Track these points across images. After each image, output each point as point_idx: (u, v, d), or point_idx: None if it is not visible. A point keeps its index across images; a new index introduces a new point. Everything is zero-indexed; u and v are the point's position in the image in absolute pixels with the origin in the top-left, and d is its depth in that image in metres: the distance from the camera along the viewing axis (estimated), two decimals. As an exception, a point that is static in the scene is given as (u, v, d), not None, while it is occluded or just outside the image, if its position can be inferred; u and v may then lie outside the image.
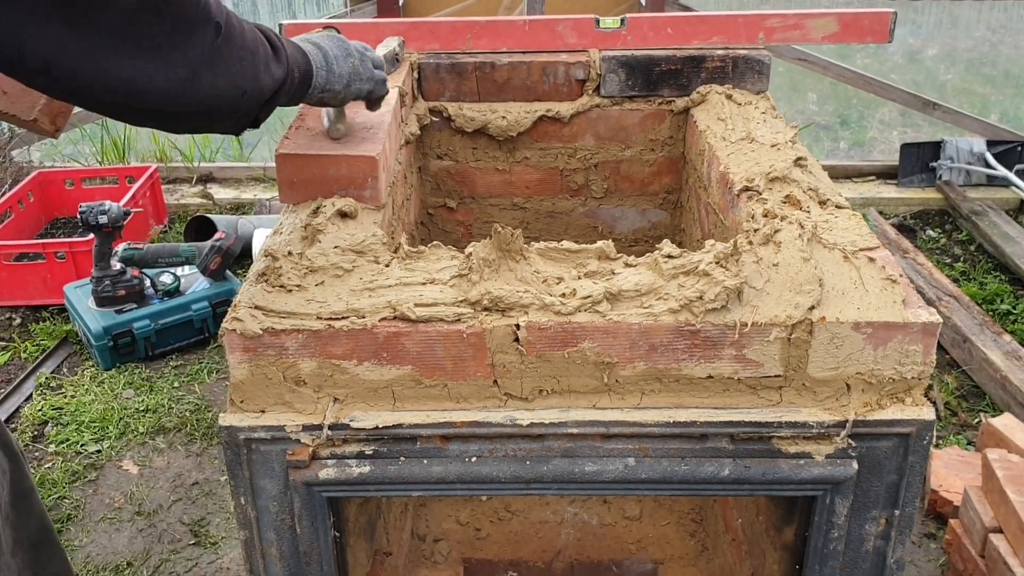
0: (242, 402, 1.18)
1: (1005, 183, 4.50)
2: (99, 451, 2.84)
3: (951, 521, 2.26)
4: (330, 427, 1.16)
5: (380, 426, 1.16)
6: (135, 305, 3.32)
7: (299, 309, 1.13)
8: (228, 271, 3.50)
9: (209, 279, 3.45)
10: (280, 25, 1.82)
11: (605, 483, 1.19)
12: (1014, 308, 3.54)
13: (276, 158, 1.36)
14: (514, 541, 2.06)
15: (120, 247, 3.31)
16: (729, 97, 1.79)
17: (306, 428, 1.16)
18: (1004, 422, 2.38)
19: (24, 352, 3.41)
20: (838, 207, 1.34)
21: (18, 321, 3.64)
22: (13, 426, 3.00)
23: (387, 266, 1.21)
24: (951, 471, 2.49)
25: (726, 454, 1.17)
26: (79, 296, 3.38)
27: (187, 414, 3.01)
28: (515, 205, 2.04)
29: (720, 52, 1.82)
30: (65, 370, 3.32)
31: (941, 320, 1.12)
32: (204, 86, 0.96)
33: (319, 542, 1.23)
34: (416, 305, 1.12)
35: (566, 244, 1.21)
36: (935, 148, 4.61)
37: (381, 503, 1.74)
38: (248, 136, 5.40)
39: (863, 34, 1.83)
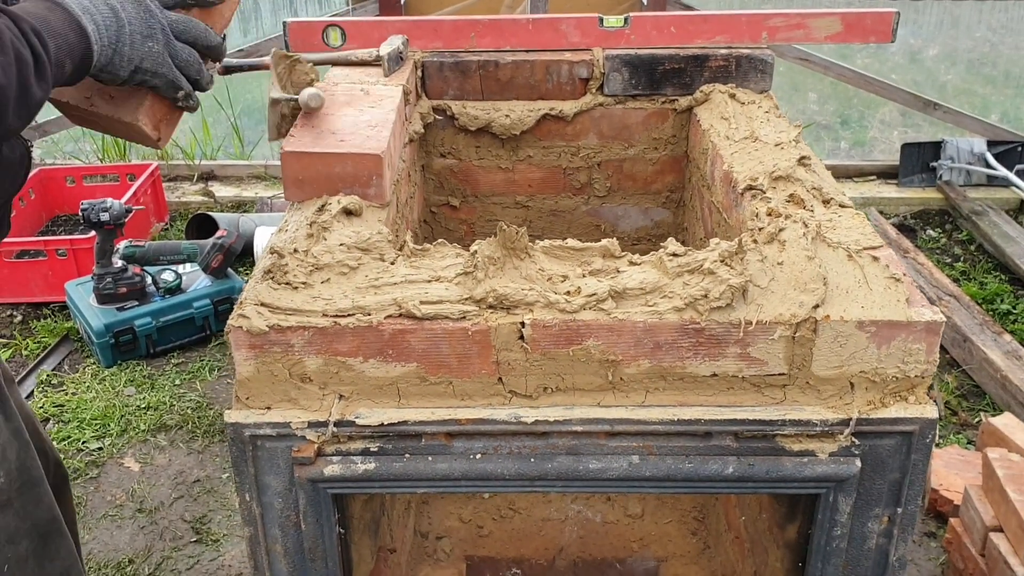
0: (248, 399, 1.18)
1: (1005, 183, 4.50)
2: (100, 448, 2.85)
3: (951, 520, 2.27)
4: (335, 424, 1.16)
5: (385, 423, 1.16)
6: (136, 303, 3.32)
7: (305, 306, 1.14)
8: (230, 269, 3.50)
9: (211, 277, 3.46)
10: (284, 23, 1.82)
11: (609, 481, 1.20)
12: (1014, 308, 3.54)
13: (282, 156, 1.36)
14: (517, 539, 2.06)
15: (121, 244, 3.31)
16: (732, 96, 1.79)
17: (311, 425, 1.17)
18: (1004, 421, 2.38)
19: (25, 349, 3.42)
20: (842, 206, 1.35)
21: (19, 318, 3.65)
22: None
23: (392, 264, 1.21)
24: (951, 470, 2.49)
25: (730, 452, 1.17)
26: (80, 293, 3.38)
27: (188, 412, 3.01)
28: (518, 203, 2.04)
29: (723, 51, 1.83)
30: (66, 367, 3.33)
31: (944, 319, 1.12)
32: None
33: (324, 539, 1.24)
34: (421, 303, 1.13)
35: (571, 242, 1.21)
36: (935, 148, 4.62)
37: (385, 500, 1.74)
38: (250, 134, 5.41)
39: (866, 34, 1.83)
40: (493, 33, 1.86)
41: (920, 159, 4.63)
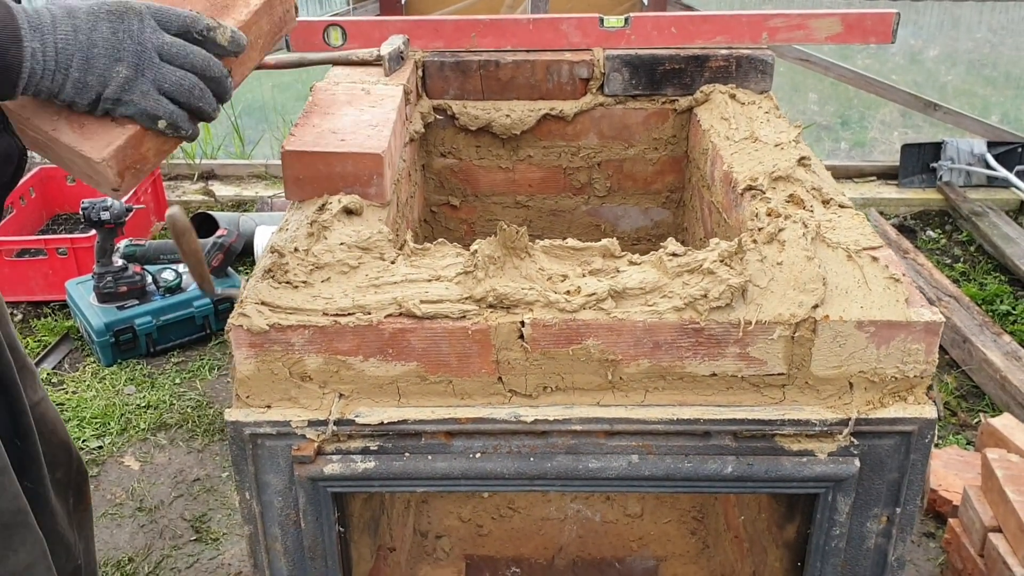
0: (248, 397, 1.18)
1: (1005, 184, 4.51)
2: (100, 447, 2.85)
3: (950, 520, 2.27)
4: (335, 423, 1.16)
5: (385, 422, 1.16)
6: (137, 301, 3.32)
7: (305, 305, 1.14)
8: (230, 268, 3.51)
9: (211, 276, 3.46)
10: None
11: (608, 480, 1.20)
12: (1014, 309, 3.55)
13: (282, 155, 1.36)
14: (516, 538, 2.07)
15: (122, 243, 3.32)
16: (732, 96, 1.79)
17: (311, 423, 1.17)
18: (1003, 422, 2.39)
19: (26, 348, 3.42)
20: (841, 207, 1.35)
21: (19, 317, 3.65)
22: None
23: (393, 263, 1.21)
24: (950, 471, 2.50)
25: (729, 451, 1.18)
26: (81, 292, 3.38)
27: (188, 411, 3.02)
28: (518, 203, 2.05)
29: (724, 52, 1.83)
30: (66, 366, 3.33)
31: (944, 319, 1.13)
32: None
33: (323, 537, 1.24)
34: (422, 302, 1.13)
35: (571, 242, 1.21)
36: (936, 149, 4.62)
37: (385, 499, 1.74)
38: (250, 133, 5.41)
39: (866, 34, 1.84)
40: (494, 33, 1.87)
41: (920, 160, 4.64)
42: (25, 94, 0.97)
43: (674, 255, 1.17)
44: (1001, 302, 3.60)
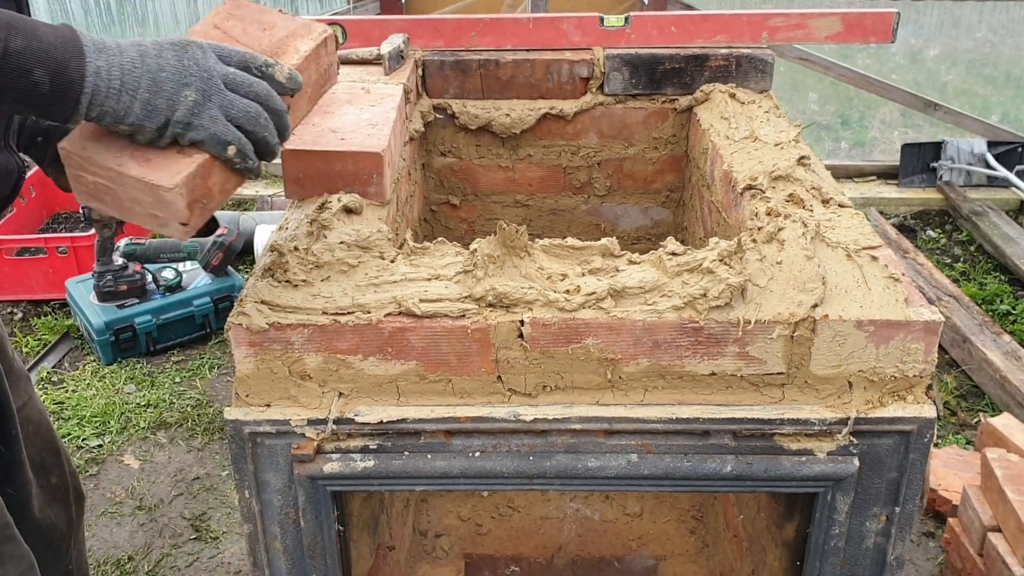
0: (247, 396, 1.18)
1: (1005, 184, 4.51)
2: (100, 446, 2.85)
3: (950, 520, 2.27)
4: (335, 421, 1.16)
5: (384, 421, 1.16)
6: (137, 300, 3.33)
7: (305, 304, 1.14)
8: (230, 267, 3.51)
9: (211, 275, 3.46)
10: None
11: (608, 479, 1.20)
12: (1013, 308, 3.55)
13: (282, 153, 1.36)
14: (515, 537, 2.07)
15: (122, 242, 3.32)
16: (732, 96, 1.79)
17: (311, 422, 1.17)
18: (1003, 422, 2.39)
19: (26, 347, 3.42)
20: (841, 206, 1.35)
21: (19, 315, 3.65)
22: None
23: (392, 262, 1.21)
24: (950, 470, 2.50)
25: (728, 451, 1.18)
26: (81, 291, 3.39)
27: (188, 409, 3.02)
28: (518, 202, 2.05)
29: (723, 51, 1.83)
30: (66, 365, 3.33)
31: (943, 319, 1.13)
32: None
33: (323, 536, 1.24)
34: (421, 301, 1.13)
35: (570, 241, 1.21)
36: (936, 148, 4.62)
37: (384, 498, 1.74)
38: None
39: (866, 34, 1.84)
40: (494, 32, 1.87)
41: (920, 159, 4.64)
42: (89, 116, 0.96)
43: (674, 254, 1.17)
44: (1001, 302, 3.60)
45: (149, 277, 3.39)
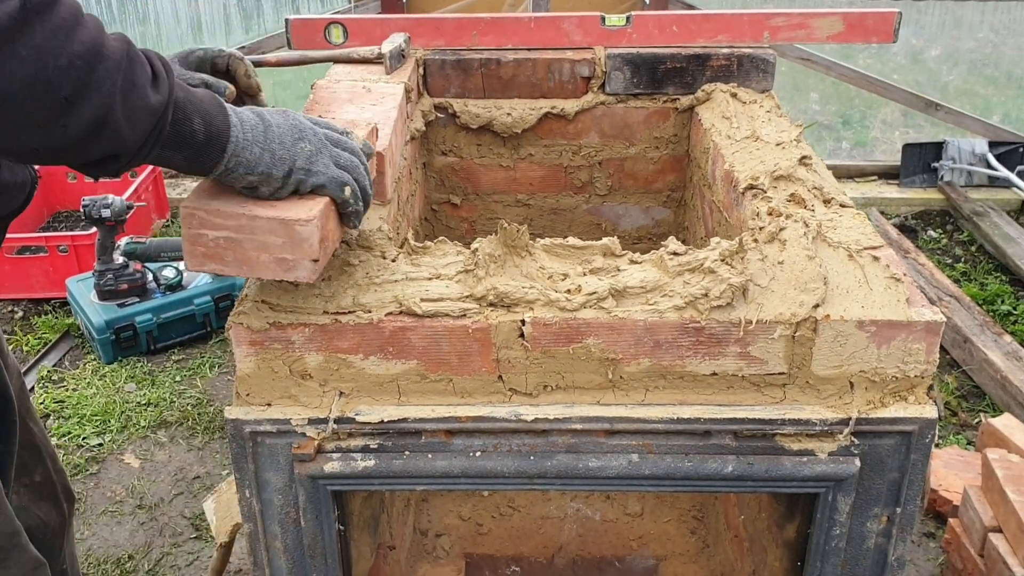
0: (248, 395, 1.18)
1: (1006, 184, 4.50)
2: (100, 444, 2.85)
3: (950, 520, 2.27)
4: (335, 421, 1.16)
5: (385, 420, 1.16)
6: (137, 299, 3.32)
7: (305, 303, 1.14)
8: (230, 266, 3.50)
9: (211, 274, 3.46)
10: (287, 20, 1.82)
11: (608, 479, 1.20)
12: (1015, 309, 3.55)
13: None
14: (516, 536, 2.07)
15: (123, 241, 3.31)
16: (734, 95, 1.79)
17: (312, 422, 1.17)
18: (1004, 422, 2.38)
19: (26, 345, 3.42)
20: (842, 206, 1.35)
21: (20, 314, 3.65)
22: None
23: (393, 261, 1.21)
24: (951, 471, 2.49)
25: (729, 451, 1.18)
26: (81, 290, 3.38)
27: (189, 408, 3.01)
28: (519, 202, 2.04)
29: (725, 50, 1.83)
30: (67, 363, 3.33)
31: (944, 319, 1.12)
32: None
33: (323, 535, 1.24)
34: (422, 300, 1.13)
35: (571, 240, 1.21)
36: (937, 148, 4.62)
37: (385, 497, 1.74)
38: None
39: (868, 34, 1.83)
40: (495, 31, 1.87)
41: (921, 159, 4.63)
42: (227, 166, 1.00)
43: (675, 254, 1.17)
44: (1002, 302, 3.60)
45: (150, 276, 3.38)
